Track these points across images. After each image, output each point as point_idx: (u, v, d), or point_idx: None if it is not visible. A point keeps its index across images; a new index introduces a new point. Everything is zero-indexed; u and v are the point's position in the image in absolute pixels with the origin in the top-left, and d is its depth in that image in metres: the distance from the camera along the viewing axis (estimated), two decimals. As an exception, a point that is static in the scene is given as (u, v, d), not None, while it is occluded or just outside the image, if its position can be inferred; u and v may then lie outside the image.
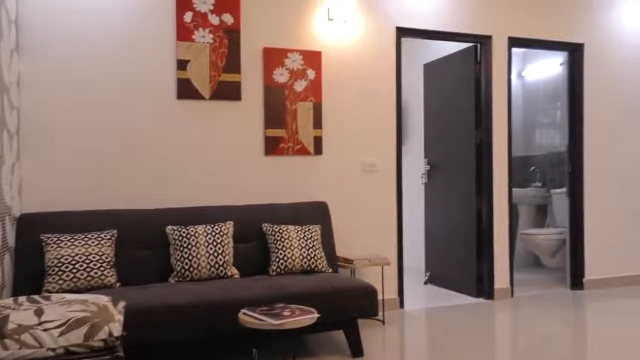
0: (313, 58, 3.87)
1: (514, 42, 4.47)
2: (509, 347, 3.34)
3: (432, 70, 5.05)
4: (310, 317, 2.43)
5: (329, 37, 3.92)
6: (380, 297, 3.85)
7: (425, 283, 5.04)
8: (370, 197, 4.04)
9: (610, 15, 4.78)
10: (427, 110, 5.13)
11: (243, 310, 2.52)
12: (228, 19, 3.64)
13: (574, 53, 4.69)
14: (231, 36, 3.66)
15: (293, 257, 3.31)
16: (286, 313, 2.44)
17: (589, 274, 4.69)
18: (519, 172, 6.18)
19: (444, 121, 4.85)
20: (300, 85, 3.83)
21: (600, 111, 4.76)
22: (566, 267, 4.79)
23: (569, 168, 4.74)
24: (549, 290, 4.72)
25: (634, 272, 4.86)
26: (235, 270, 3.26)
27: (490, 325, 3.75)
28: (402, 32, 4.13)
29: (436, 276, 4.95)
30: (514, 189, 5.95)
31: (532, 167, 6.02)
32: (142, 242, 3.21)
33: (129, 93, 3.41)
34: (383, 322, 3.75)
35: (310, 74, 3.86)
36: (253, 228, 3.46)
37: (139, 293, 2.76)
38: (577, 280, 4.69)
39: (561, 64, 5.33)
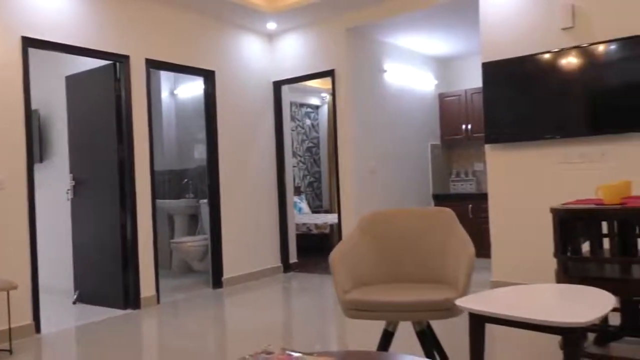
0: None
1: (152, 63, 4.77)
2: (154, 350, 3.55)
3: (74, 83, 4.94)
4: None
5: None
6: (6, 325, 3.56)
7: (75, 302, 4.87)
8: (-6, 218, 3.70)
9: (234, 47, 5.58)
10: (71, 124, 4.98)
11: None
12: None
13: (208, 78, 5.31)
14: None
15: None
16: None
17: (227, 273, 5.35)
18: (175, 184, 6.58)
19: (88, 136, 4.80)
20: None
21: (231, 128, 5.49)
22: (210, 269, 5.35)
23: (209, 180, 5.32)
24: (195, 292, 5.18)
25: (257, 269, 5.75)
26: None
27: (135, 334, 3.90)
28: (30, 43, 3.94)
29: (86, 294, 4.84)
30: (169, 201, 6.32)
31: (185, 180, 6.50)
32: None
33: None
34: (10, 351, 3.48)
35: None
36: None
37: None
38: (217, 280, 5.29)
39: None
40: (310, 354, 1.38)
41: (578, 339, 1.80)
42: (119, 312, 4.47)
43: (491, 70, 4.45)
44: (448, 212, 2.68)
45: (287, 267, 6.02)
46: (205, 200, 5.97)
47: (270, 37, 5.98)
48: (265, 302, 4.71)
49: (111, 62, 4.55)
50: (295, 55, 5.80)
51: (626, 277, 2.57)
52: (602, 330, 3.03)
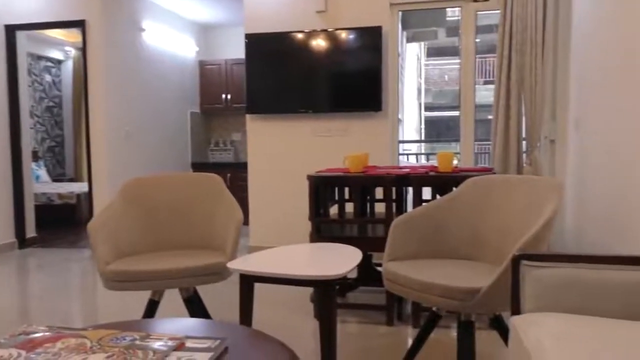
0: None
1: None
2: None
3: None
4: None
5: None
6: None
7: None
8: None
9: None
10: None
11: None
12: None
13: None
14: None
15: None
16: None
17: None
18: None
19: None
20: None
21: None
22: None
23: None
24: None
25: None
26: None
27: None
28: None
29: None
30: None
31: None
32: None
33: None
34: None
35: None
36: None
37: None
38: None
39: None
40: (85, 329, 1.25)
41: (332, 289, 2.04)
42: None
43: (254, 42, 4.59)
44: (216, 179, 2.70)
45: (23, 242, 5.25)
46: None
47: (1, -30, 5.00)
48: (-4, 283, 4.04)
49: None
50: (35, -3, 4.99)
51: (363, 235, 3.01)
52: (342, 282, 3.49)
